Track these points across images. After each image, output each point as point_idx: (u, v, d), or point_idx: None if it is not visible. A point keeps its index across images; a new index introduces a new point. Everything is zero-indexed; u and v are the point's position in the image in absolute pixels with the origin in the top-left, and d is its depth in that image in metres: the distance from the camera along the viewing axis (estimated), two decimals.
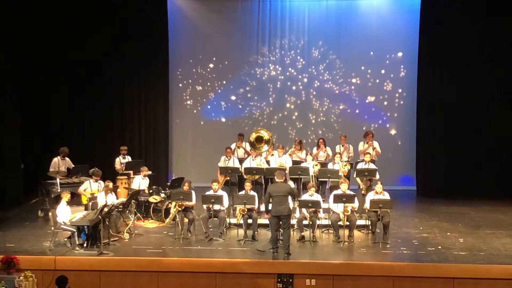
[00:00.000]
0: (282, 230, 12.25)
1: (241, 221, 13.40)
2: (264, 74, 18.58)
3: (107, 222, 12.73)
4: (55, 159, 15.46)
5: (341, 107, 18.53)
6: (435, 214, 15.55)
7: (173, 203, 13.67)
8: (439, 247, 12.80)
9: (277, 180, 12.63)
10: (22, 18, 16.90)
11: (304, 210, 13.26)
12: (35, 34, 17.35)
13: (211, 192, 13.54)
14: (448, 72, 17.39)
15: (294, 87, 18.58)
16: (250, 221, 13.31)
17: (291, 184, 14.35)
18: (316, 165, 14.69)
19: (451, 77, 17.39)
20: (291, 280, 11.79)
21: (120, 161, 16.15)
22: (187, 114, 18.86)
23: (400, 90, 18.39)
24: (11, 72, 16.11)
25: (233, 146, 15.88)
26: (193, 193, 13.53)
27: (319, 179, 14.74)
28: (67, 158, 15.63)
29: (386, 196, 13.33)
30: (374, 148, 15.51)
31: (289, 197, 12.51)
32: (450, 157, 17.54)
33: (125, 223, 13.77)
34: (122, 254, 12.36)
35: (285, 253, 12.11)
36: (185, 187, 13.68)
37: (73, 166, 15.60)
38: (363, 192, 14.28)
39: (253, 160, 14.89)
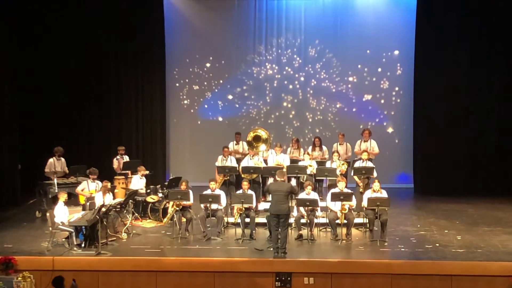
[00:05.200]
0: (279, 229, 12.25)
1: (239, 220, 13.39)
2: (261, 73, 18.59)
3: (105, 222, 12.70)
4: (51, 160, 15.44)
5: (338, 106, 18.53)
6: (433, 211, 15.56)
7: (171, 203, 13.66)
8: (437, 244, 12.81)
9: (278, 179, 12.64)
10: (19, 17, 16.88)
11: (301, 208, 13.27)
12: (33, 34, 17.37)
13: (208, 192, 13.54)
14: (445, 70, 17.41)
15: (291, 86, 18.58)
16: (247, 220, 13.31)
17: (293, 181, 14.36)
18: (310, 165, 14.64)
19: (448, 75, 17.41)
20: (289, 278, 11.77)
21: (117, 160, 16.14)
22: (184, 113, 18.86)
23: (397, 88, 18.40)
24: (9, 72, 16.08)
25: (230, 145, 15.91)
26: (191, 192, 13.51)
27: (317, 178, 14.73)
28: (62, 158, 15.61)
29: (384, 194, 13.34)
30: (369, 152, 15.29)
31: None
32: (447, 155, 17.56)
33: (123, 223, 13.75)
34: (120, 254, 12.36)
35: (282, 252, 12.10)
36: (183, 187, 13.67)
37: (66, 166, 15.56)
38: (361, 190, 14.27)
39: (250, 159, 14.90)
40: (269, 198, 13.64)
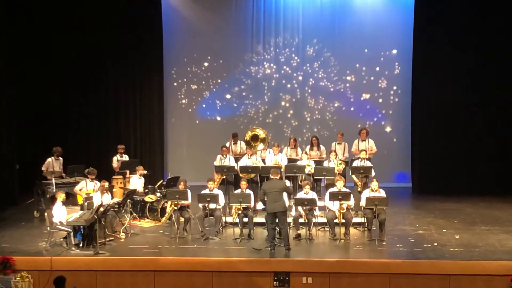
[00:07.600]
0: (279, 228, 12.25)
1: (237, 220, 13.41)
2: (259, 72, 18.58)
3: (103, 222, 12.71)
4: (49, 159, 15.44)
5: (336, 105, 18.53)
6: (431, 211, 15.57)
7: (169, 202, 13.66)
8: (435, 244, 12.82)
9: (272, 177, 12.67)
10: (19, 17, 16.89)
11: (300, 208, 13.27)
12: (32, 35, 17.36)
13: (207, 191, 13.54)
14: (443, 69, 17.41)
15: (289, 85, 18.57)
16: (246, 219, 13.32)
17: (287, 182, 14.35)
18: (309, 165, 14.65)
19: (446, 74, 17.42)
20: (287, 278, 11.78)
21: (118, 160, 16.14)
22: (182, 113, 18.84)
23: (395, 87, 18.40)
24: (8, 71, 16.06)
25: (228, 145, 15.89)
26: (189, 192, 13.51)
27: (315, 177, 14.74)
28: (60, 158, 15.60)
29: (382, 193, 13.34)
30: (367, 152, 15.28)
31: (285, 194, 12.54)
32: (445, 154, 17.56)
33: (121, 222, 13.75)
34: (118, 254, 12.35)
35: (286, 249, 12.16)
36: (181, 186, 13.66)
37: (63, 166, 15.56)
38: (359, 189, 14.27)
39: (248, 158, 14.91)
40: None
